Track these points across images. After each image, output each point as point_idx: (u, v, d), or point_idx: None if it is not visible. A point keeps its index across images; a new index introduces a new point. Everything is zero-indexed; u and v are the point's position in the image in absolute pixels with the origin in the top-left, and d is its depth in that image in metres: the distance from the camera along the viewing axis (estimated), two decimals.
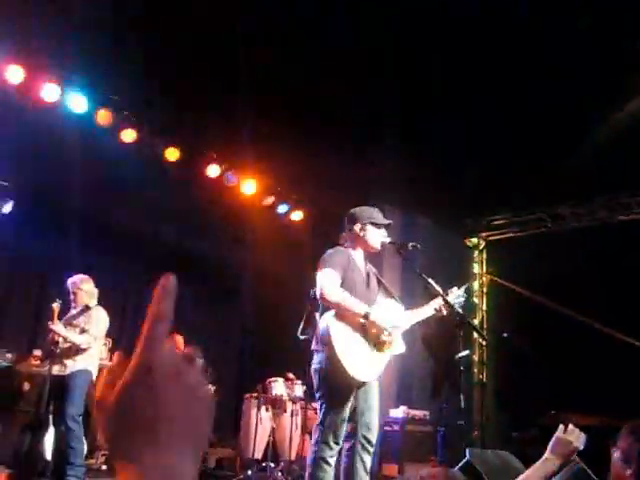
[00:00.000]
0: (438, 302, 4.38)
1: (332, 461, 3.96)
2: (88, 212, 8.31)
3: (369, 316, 4.01)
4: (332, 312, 4.06)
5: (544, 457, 2.58)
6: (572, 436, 2.58)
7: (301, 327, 4.30)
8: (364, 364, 4.00)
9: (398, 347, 4.21)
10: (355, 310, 4.02)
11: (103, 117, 7.97)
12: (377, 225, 4.34)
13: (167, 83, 7.60)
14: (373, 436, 4.14)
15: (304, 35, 7.40)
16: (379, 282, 4.44)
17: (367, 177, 9.29)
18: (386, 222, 4.38)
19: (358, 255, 4.34)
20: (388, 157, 9.05)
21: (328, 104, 8.33)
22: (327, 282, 4.06)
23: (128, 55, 6.95)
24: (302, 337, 4.31)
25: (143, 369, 0.59)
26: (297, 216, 10.38)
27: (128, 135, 8.28)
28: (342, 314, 4.03)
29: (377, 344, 4.08)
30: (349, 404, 4.02)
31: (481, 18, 7.12)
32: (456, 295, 4.59)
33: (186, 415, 0.61)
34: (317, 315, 4.20)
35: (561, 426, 2.61)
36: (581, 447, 2.57)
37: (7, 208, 7.82)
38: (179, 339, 8.23)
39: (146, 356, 0.61)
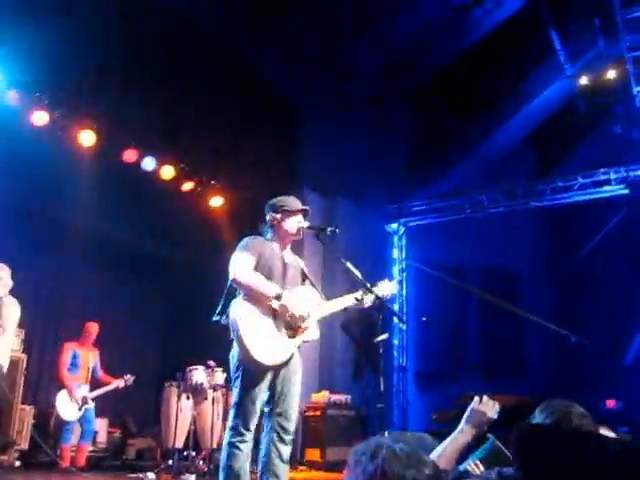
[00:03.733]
0: (359, 293, 4.34)
1: (243, 447, 3.88)
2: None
3: (280, 298, 3.96)
4: (242, 295, 4.00)
5: (459, 428, 2.63)
6: (487, 407, 2.63)
7: (217, 312, 4.20)
8: (269, 348, 3.93)
9: (311, 334, 4.16)
10: (265, 291, 3.96)
11: (13, 98, 7.62)
12: (291, 212, 4.29)
13: (83, 66, 7.35)
14: (290, 425, 4.07)
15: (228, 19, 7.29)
16: (304, 276, 4.39)
17: (289, 163, 9.24)
18: (301, 208, 4.32)
19: (277, 245, 4.29)
20: (311, 143, 9.03)
21: (250, 88, 8.25)
22: (237, 263, 4.02)
23: (43, 37, 6.66)
24: (215, 320, 4.21)
25: None
26: (217, 202, 10.24)
27: (40, 118, 7.95)
28: (252, 297, 3.98)
29: (288, 329, 4.05)
30: (260, 390, 3.94)
31: None
32: (388, 287, 4.53)
33: None
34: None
35: (476, 398, 2.66)
36: (495, 417, 2.63)
37: None
38: (94, 326, 8.01)
39: None
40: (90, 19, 6.73)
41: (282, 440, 4.03)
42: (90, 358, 7.89)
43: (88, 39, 6.94)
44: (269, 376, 4.00)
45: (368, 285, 4.30)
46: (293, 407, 4.12)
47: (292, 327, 4.04)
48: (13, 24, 6.41)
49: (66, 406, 7.58)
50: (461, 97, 8.98)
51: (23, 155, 7.50)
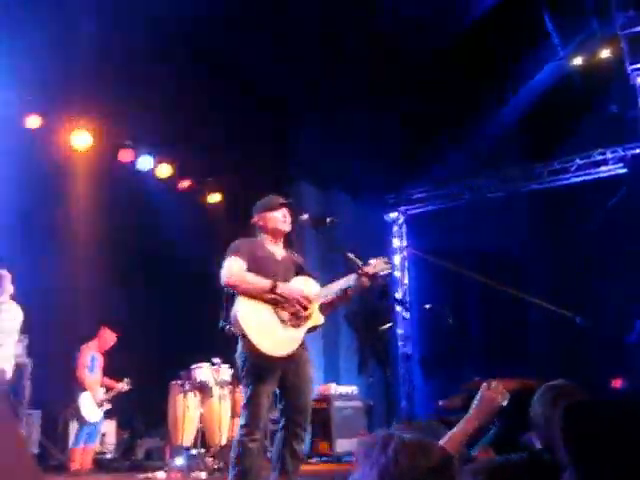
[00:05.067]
0: (354, 276, 4.29)
1: (252, 445, 3.88)
2: None
3: (276, 288, 3.97)
4: (240, 295, 4.01)
5: (468, 414, 2.62)
6: (496, 393, 2.63)
7: (221, 319, 4.22)
8: (275, 340, 3.94)
9: (315, 319, 4.17)
10: (259, 285, 3.97)
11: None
12: (272, 209, 4.29)
13: (72, 67, 7.30)
14: (304, 419, 4.07)
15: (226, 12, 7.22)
16: (299, 269, 4.37)
17: (284, 156, 9.22)
18: (280, 202, 4.33)
19: (267, 243, 4.29)
20: (305, 135, 9.00)
21: (245, 83, 8.21)
22: (226, 267, 4.04)
23: (31, 37, 6.63)
24: (223, 328, 4.22)
25: None
26: (214, 199, 10.24)
27: (33, 121, 7.94)
28: (250, 295, 3.98)
29: (291, 319, 4.04)
30: (268, 387, 3.95)
31: None
32: (378, 264, 4.45)
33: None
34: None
35: (485, 384, 2.65)
36: (504, 404, 2.63)
37: None
38: (108, 333, 8.06)
39: None
40: (79, 16, 6.68)
41: (296, 437, 4.03)
42: (101, 361, 8.00)
43: (78, 38, 6.89)
44: (277, 372, 3.99)
45: (370, 271, 4.25)
46: (306, 403, 4.11)
47: (295, 317, 4.03)
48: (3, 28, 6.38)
49: (90, 408, 7.66)
50: (454, 82, 8.94)
51: (18, 158, 7.48)
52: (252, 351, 3.90)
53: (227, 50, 7.85)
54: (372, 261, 4.30)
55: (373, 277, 4.23)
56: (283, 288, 3.99)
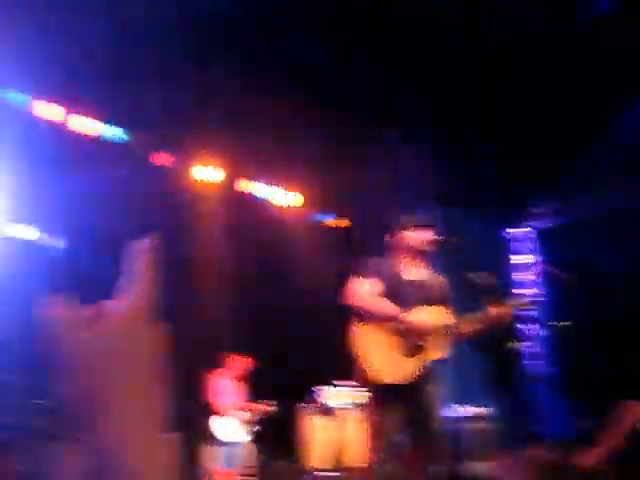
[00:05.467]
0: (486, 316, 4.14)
1: (382, 467, 3.90)
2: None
3: (400, 318, 3.95)
4: (361, 317, 4.03)
5: (607, 433, 2.56)
6: (634, 413, 2.56)
7: (343, 338, 4.27)
8: (391, 368, 3.92)
9: (436, 353, 4.06)
10: (384, 311, 3.98)
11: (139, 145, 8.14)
12: (411, 228, 4.27)
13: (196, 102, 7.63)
14: (435, 442, 4.00)
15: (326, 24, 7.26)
16: (432, 293, 4.28)
17: (401, 175, 9.18)
18: (418, 220, 4.30)
19: (406, 262, 4.26)
20: (422, 151, 8.87)
21: (355, 102, 8.24)
22: (355, 287, 4.07)
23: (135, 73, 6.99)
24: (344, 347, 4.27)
25: None
26: (339, 224, 10.46)
27: (162, 159, 8.44)
28: (371, 319, 4.00)
29: (410, 349, 3.99)
30: (387, 409, 3.94)
31: None
32: (513, 305, 4.30)
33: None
34: None
35: (623, 404, 2.60)
36: None
37: None
38: (238, 360, 8.29)
39: None
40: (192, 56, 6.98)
41: (430, 459, 3.98)
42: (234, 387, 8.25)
43: (195, 76, 7.19)
44: (396, 396, 3.96)
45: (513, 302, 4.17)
46: (432, 423, 4.06)
47: (414, 347, 3.99)
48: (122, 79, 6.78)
49: (226, 431, 7.88)
50: (580, 93, 8.56)
51: (147, 194, 7.92)
52: (366, 376, 3.93)
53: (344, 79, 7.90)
54: (509, 299, 4.20)
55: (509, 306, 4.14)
56: (407, 318, 3.97)
